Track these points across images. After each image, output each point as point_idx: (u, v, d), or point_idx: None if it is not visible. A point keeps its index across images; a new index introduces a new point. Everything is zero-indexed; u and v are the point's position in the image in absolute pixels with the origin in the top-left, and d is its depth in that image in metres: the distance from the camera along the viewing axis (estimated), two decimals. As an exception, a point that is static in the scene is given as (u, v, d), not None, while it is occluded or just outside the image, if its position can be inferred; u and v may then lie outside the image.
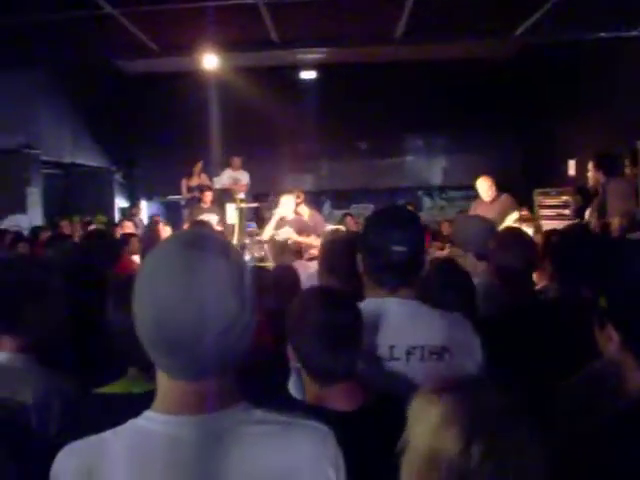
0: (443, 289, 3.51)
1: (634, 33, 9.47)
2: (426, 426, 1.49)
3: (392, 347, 2.51)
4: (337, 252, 3.87)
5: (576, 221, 8.86)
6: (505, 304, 3.64)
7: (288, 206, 9.51)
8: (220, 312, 1.48)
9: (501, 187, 9.15)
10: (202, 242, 1.57)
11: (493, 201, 9.00)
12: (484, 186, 9.12)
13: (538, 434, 1.45)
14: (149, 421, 1.55)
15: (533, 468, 1.41)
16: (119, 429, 1.56)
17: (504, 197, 9.07)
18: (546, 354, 2.88)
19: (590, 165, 8.76)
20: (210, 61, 11.92)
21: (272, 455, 1.54)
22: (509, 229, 4.18)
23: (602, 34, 9.86)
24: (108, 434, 1.56)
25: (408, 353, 2.50)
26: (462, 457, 1.40)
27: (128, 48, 10.50)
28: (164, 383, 1.57)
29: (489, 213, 8.25)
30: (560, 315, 3.23)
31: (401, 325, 2.54)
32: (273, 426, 1.58)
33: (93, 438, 1.56)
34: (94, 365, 2.75)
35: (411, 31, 9.68)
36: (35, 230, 9.94)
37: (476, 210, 8.84)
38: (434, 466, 1.44)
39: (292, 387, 2.79)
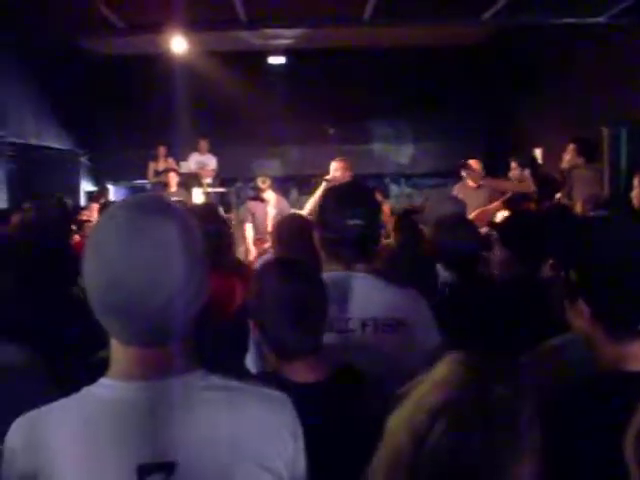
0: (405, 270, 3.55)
1: (598, 19, 9.51)
2: (427, 381, 1.48)
3: (348, 319, 2.53)
4: (291, 229, 3.90)
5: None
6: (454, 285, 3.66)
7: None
8: (169, 276, 1.47)
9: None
10: (150, 205, 1.56)
11: (480, 187, 8.53)
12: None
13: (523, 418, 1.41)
14: (102, 388, 1.54)
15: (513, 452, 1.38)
16: (72, 397, 1.55)
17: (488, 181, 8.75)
18: (496, 333, 2.90)
19: (570, 148, 8.76)
20: (178, 44, 11.82)
21: (226, 420, 1.54)
22: (448, 216, 4.17)
23: (567, 19, 9.89)
24: (60, 402, 1.55)
25: (363, 325, 2.52)
26: (425, 429, 1.38)
27: (94, 26, 10.37)
28: (117, 349, 1.56)
29: (475, 198, 8.06)
30: (512, 294, 3.27)
31: (357, 298, 2.56)
32: (229, 392, 1.58)
33: (43, 408, 1.55)
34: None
35: (379, 13, 9.64)
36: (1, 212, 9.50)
37: (460, 194, 7.96)
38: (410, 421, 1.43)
39: (249, 361, 2.78)
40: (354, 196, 2.72)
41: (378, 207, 2.81)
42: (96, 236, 1.52)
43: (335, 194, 2.83)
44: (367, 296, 2.58)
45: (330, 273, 2.63)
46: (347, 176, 7.44)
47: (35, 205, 5.01)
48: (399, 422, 1.46)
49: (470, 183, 8.60)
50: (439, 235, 3.79)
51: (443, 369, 1.47)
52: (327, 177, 7.40)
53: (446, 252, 3.67)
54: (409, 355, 2.47)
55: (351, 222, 2.58)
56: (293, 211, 8.92)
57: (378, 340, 2.49)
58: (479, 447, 1.34)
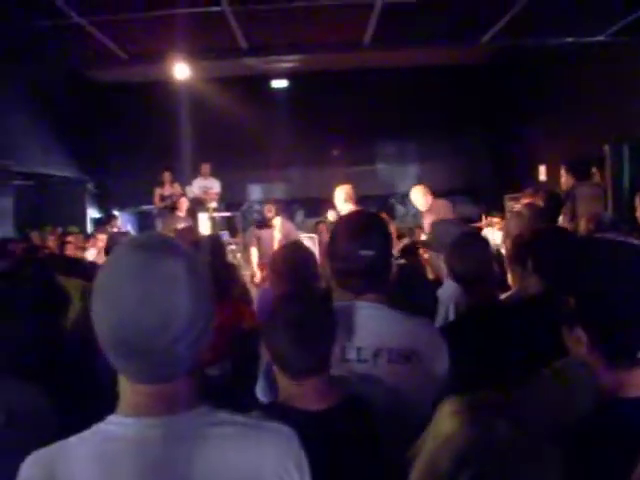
0: (406, 293, 3.55)
1: (599, 38, 9.55)
2: (436, 437, 1.48)
3: (360, 349, 2.53)
4: (285, 260, 3.88)
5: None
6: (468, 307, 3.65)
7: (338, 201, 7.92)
8: (175, 314, 1.49)
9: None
10: (155, 245, 1.58)
11: (430, 210, 8.56)
12: (417, 196, 8.78)
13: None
14: (113, 425, 1.56)
15: None
16: (84, 434, 1.57)
17: (439, 203, 8.77)
18: (504, 356, 2.89)
19: (562, 172, 8.90)
20: (181, 70, 11.88)
21: (236, 456, 1.56)
22: (464, 234, 4.13)
23: (568, 39, 9.93)
24: (72, 440, 1.57)
25: (375, 355, 2.51)
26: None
27: (97, 57, 10.43)
28: (126, 387, 1.58)
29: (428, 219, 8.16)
30: (522, 316, 3.25)
31: (368, 327, 2.56)
32: (236, 427, 1.60)
33: (57, 444, 1.57)
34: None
35: (379, 38, 9.70)
36: (2, 242, 9.43)
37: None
38: (430, 476, 1.44)
39: (259, 391, 2.81)
40: (365, 226, 2.71)
41: (389, 236, 2.80)
42: (103, 276, 1.54)
43: (346, 224, 2.83)
44: (379, 326, 2.57)
45: (341, 303, 2.63)
46: (352, 204, 7.51)
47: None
48: None
49: (419, 208, 8.87)
50: (456, 257, 3.75)
51: (448, 421, 1.48)
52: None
53: (464, 272, 3.63)
54: (419, 385, 2.48)
55: (362, 252, 2.57)
56: (300, 234, 9.02)
57: (390, 370, 2.48)
58: None
